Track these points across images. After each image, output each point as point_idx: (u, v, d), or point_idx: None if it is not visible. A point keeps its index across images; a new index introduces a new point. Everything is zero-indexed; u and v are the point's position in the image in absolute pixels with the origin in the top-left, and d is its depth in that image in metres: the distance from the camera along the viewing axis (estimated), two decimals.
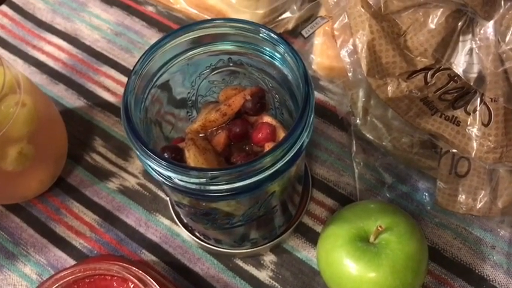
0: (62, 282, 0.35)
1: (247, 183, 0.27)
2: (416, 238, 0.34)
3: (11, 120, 0.36)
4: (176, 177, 0.27)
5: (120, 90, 0.49)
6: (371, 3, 0.32)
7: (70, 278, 0.35)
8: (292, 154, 0.28)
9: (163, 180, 0.29)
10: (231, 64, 0.35)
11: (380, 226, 0.33)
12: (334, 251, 0.35)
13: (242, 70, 0.36)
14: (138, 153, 0.29)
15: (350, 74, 0.34)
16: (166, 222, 0.42)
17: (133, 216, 0.43)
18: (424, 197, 0.41)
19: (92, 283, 0.36)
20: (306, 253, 0.40)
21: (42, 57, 0.51)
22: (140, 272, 0.35)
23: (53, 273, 0.38)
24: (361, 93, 0.38)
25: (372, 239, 0.34)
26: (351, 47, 0.33)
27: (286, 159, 0.28)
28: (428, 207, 0.40)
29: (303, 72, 0.30)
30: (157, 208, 0.43)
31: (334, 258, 0.35)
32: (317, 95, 0.47)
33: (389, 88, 0.33)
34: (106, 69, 0.50)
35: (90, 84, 0.49)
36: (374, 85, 0.33)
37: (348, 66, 0.34)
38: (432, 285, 0.38)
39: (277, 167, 0.28)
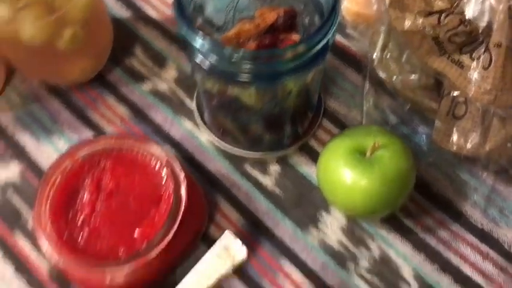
0: (91, 150, 0.40)
1: (270, 70, 0.32)
2: (406, 158, 0.39)
3: (71, 3, 0.42)
4: (214, 56, 0.32)
5: (163, 8, 0.54)
6: None
7: (99, 148, 0.41)
8: (314, 51, 0.33)
9: (203, 61, 0.33)
10: None
11: (377, 143, 0.38)
12: (333, 159, 0.39)
13: None
14: (188, 33, 0.33)
15: (375, 7, 0.39)
16: (189, 125, 0.47)
17: (161, 116, 0.48)
18: (422, 139, 0.45)
19: (119, 156, 0.41)
20: (307, 169, 0.45)
21: None
22: (166, 151, 0.40)
23: None
24: (382, 35, 0.42)
25: (368, 154, 0.39)
26: None
27: (309, 55, 0.32)
28: (425, 148, 0.45)
29: None
30: (182, 112, 0.48)
31: (332, 166, 0.39)
32: (340, 39, 0.51)
33: (406, 22, 0.37)
34: None
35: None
36: (393, 16, 0.37)
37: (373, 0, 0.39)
38: (415, 212, 0.43)
39: (299, 61, 0.33)
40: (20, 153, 0.46)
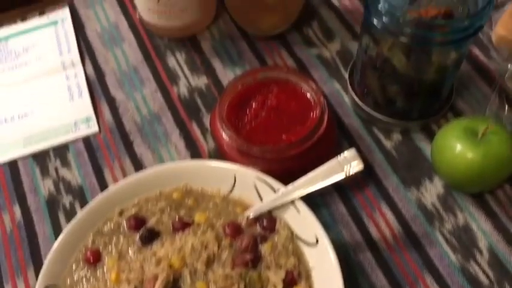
0: (267, 75, 0.54)
1: (424, 36, 0.43)
2: (510, 148, 0.47)
3: None
4: (387, 16, 0.44)
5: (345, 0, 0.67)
6: None
7: (273, 75, 0.54)
8: (466, 32, 0.43)
9: (378, 20, 0.45)
10: None
11: (490, 126, 0.47)
12: (449, 131, 0.49)
13: None
14: None
15: None
16: (338, 86, 0.59)
17: (318, 74, 0.60)
18: None
19: (285, 84, 0.53)
20: (423, 145, 0.54)
21: None
22: (320, 89, 0.52)
23: None
24: None
25: (480, 135, 0.47)
26: None
27: (461, 32, 0.43)
28: None
29: None
30: (336, 76, 0.60)
31: (447, 136, 0.49)
32: (482, 57, 0.60)
33: None
34: None
35: None
36: None
37: None
38: (503, 200, 0.50)
39: (450, 36, 0.43)
40: (210, 72, 0.61)
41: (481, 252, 0.48)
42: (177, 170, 0.49)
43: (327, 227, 0.49)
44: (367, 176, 0.53)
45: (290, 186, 0.46)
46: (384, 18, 0.44)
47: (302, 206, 0.45)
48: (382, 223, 0.50)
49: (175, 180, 0.48)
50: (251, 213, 0.47)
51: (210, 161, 0.51)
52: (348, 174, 0.45)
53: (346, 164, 0.45)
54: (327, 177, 0.45)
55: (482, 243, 0.48)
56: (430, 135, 0.55)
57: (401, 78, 0.49)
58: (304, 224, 0.45)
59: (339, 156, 0.46)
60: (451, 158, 0.48)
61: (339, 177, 0.45)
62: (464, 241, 0.49)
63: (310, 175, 0.46)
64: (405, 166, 0.53)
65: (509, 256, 0.48)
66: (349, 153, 0.46)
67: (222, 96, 0.52)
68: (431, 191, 0.52)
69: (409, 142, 0.55)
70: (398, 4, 0.50)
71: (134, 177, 0.48)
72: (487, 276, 0.47)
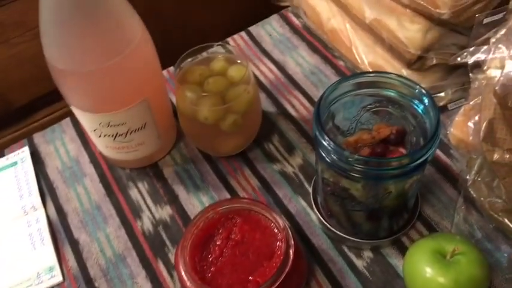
0: (229, 207, 0.53)
1: (377, 173, 0.43)
2: (481, 267, 0.46)
3: (238, 99, 0.56)
4: (335, 155, 0.43)
5: (301, 109, 0.67)
6: (499, 94, 0.46)
7: (235, 206, 0.53)
8: (415, 164, 0.42)
9: (327, 157, 0.44)
10: (389, 106, 0.51)
11: (457, 247, 0.46)
12: (418, 254, 0.47)
13: (395, 113, 0.51)
14: (320, 134, 0.45)
15: (471, 138, 0.48)
16: (303, 204, 0.58)
17: (283, 192, 0.59)
18: (503, 255, 0.51)
19: (248, 216, 0.52)
20: (396, 261, 0.53)
21: (257, 73, 0.72)
22: (284, 220, 0.51)
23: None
24: (477, 162, 0.51)
25: (448, 256, 0.46)
26: (477, 119, 0.47)
27: (410, 167, 0.42)
28: (505, 264, 0.51)
29: (437, 121, 0.44)
30: (300, 192, 0.59)
31: (415, 260, 0.47)
32: (443, 157, 0.60)
33: (495, 155, 0.46)
34: (296, 93, 0.69)
35: (283, 100, 0.69)
36: (485, 148, 0.46)
37: (471, 131, 0.48)
38: None
39: (401, 170, 0.42)
40: (174, 200, 0.60)
41: None
42: None
43: None
44: None
45: None
46: (332, 155, 0.44)
47: None
48: None
49: None
50: None
51: None
52: None
53: None
54: None
55: None
56: (402, 250, 0.54)
57: (362, 206, 0.48)
58: None
59: None
60: (422, 283, 0.46)
61: None
62: None
63: None
64: (379, 287, 0.52)
65: None
66: None
67: (183, 239, 0.50)
68: None
69: (381, 260, 0.53)
70: (345, 127, 0.51)
71: None
72: None
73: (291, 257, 0.48)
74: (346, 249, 0.54)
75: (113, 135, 0.57)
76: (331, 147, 0.44)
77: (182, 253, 0.50)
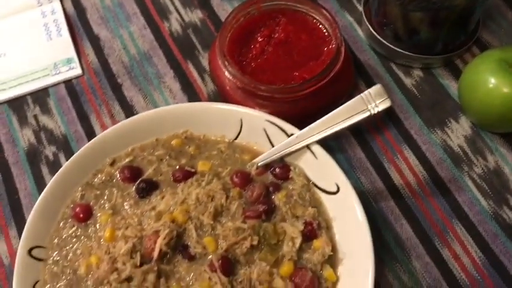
0: (273, 4, 0.47)
1: None
2: None
3: None
4: None
5: None
6: None
7: (280, 4, 0.47)
8: None
9: None
10: None
11: None
12: (481, 64, 0.43)
13: None
14: None
15: None
16: (350, 19, 0.53)
17: (328, 5, 0.53)
18: None
19: (294, 15, 0.47)
20: (447, 81, 0.49)
21: None
22: (335, 19, 0.45)
23: None
24: None
25: None
26: None
27: None
28: None
29: None
30: (347, 7, 0.53)
31: (479, 69, 0.43)
32: None
33: None
34: None
35: None
36: None
37: None
38: None
39: None
40: (205, 4, 0.54)
41: None
42: (174, 114, 0.42)
43: (344, 173, 0.44)
44: (387, 118, 0.47)
45: (306, 129, 0.40)
46: None
47: (320, 151, 0.40)
48: (405, 168, 0.45)
49: (173, 126, 0.42)
50: (261, 161, 0.41)
51: (212, 103, 0.45)
52: (373, 112, 0.40)
53: (371, 102, 0.40)
54: (348, 117, 0.40)
55: None
56: (455, 72, 0.49)
57: (426, 4, 0.42)
58: (323, 170, 0.40)
59: (362, 93, 0.40)
60: (483, 93, 0.43)
61: (363, 115, 0.40)
62: (496, 185, 0.44)
63: (329, 115, 0.40)
64: (428, 106, 0.48)
65: None
66: (374, 89, 0.40)
67: (221, 30, 0.45)
68: (458, 132, 0.47)
69: (432, 79, 0.49)
70: None
71: (126, 123, 0.42)
72: None
73: (342, 56, 0.44)
74: (394, 67, 0.50)
75: None
76: None
77: (220, 45, 0.45)
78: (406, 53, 0.48)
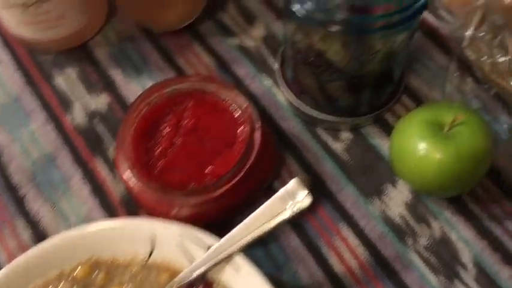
0: (177, 88, 0.42)
1: (362, 22, 0.33)
2: (486, 138, 0.38)
3: None
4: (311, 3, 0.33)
5: None
6: None
7: (185, 87, 0.43)
8: (407, 13, 0.33)
9: (299, 10, 0.34)
10: None
11: (457, 117, 0.37)
12: (409, 128, 0.39)
13: None
14: None
15: None
16: (269, 83, 0.48)
17: (244, 71, 0.49)
18: (502, 127, 0.44)
19: (202, 97, 0.42)
20: (379, 141, 0.45)
21: None
22: (246, 98, 0.41)
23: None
24: (478, 13, 0.42)
25: (446, 128, 0.38)
26: None
27: (402, 15, 0.33)
28: (504, 137, 0.43)
29: None
30: (264, 70, 0.49)
31: (407, 134, 0.39)
32: (432, 19, 0.50)
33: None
34: None
35: None
36: None
37: None
38: (483, 199, 0.42)
39: (391, 18, 0.33)
40: (109, 87, 0.49)
41: (465, 267, 0.40)
42: (74, 241, 0.37)
43: (279, 267, 0.40)
44: (319, 192, 0.43)
45: (224, 239, 0.36)
46: (308, 4, 0.34)
47: (242, 262, 0.35)
48: (345, 251, 0.41)
49: (77, 254, 0.37)
50: (180, 281, 0.36)
51: (116, 220, 0.39)
52: (294, 213, 0.35)
53: (291, 199, 0.36)
54: (268, 220, 0.35)
55: (466, 256, 0.40)
56: (385, 128, 0.46)
57: (341, 74, 0.38)
58: (247, 283, 0.35)
59: (279, 191, 0.36)
60: (414, 162, 0.39)
61: (283, 217, 0.35)
62: (445, 257, 0.40)
63: (247, 221, 0.36)
64: (361, 171, 0.44)
65: (498, 266, 0.40)
66: (291, 186, 0.36)
67: (122, 128, 0.41)
68: (397, 200, 0.43)
69: (362, 140, 0.45)
70: None
71: (21, 259, 0.37)
72: None
73: (258, 140, 0.39)
74: (320, 132, 0.46)
75: (22, 4, 0.44)
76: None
77: (122, 146, 0.40)
78: (330, 118, 0.44)
